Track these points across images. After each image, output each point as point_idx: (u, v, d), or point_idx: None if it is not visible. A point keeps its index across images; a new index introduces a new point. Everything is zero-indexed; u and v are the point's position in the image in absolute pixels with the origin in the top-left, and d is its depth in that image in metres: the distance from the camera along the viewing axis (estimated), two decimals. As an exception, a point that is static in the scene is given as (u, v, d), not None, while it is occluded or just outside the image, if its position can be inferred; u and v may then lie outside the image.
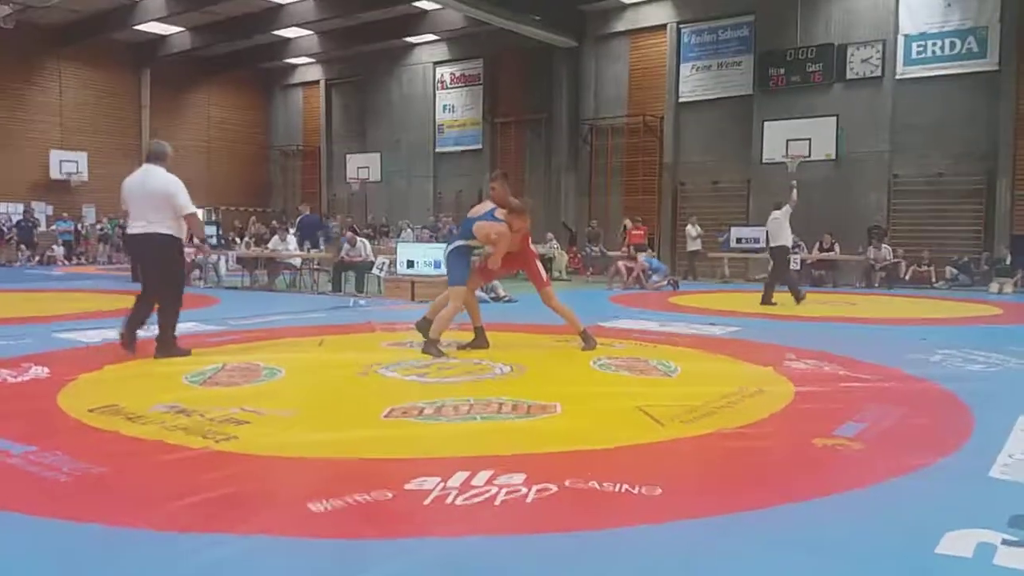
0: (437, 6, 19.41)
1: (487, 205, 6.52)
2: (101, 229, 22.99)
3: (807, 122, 16.89)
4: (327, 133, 27.03)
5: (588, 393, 4.81)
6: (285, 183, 28.58)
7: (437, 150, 24.17)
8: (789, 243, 11.61)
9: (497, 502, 2.81)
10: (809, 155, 16.71)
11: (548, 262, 15.55)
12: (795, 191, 11.49)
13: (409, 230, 20.56)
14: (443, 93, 24.00)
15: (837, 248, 16.09)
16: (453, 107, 23.82)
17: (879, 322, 9.56)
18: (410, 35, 22.86)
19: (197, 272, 13.75)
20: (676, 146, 19.74)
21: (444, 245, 7.74)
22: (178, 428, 3.81)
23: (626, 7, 20.02)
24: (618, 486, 2.98)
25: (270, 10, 20.98)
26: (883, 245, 15.67)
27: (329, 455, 3.44)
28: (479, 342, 6.55)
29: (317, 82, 27.07)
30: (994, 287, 14.29)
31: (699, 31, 19.27)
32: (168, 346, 5.99)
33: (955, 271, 15.34)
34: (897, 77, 16.76)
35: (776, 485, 3.14)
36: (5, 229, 21.14)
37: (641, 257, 14.88)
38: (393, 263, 12.08)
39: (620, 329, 8.01)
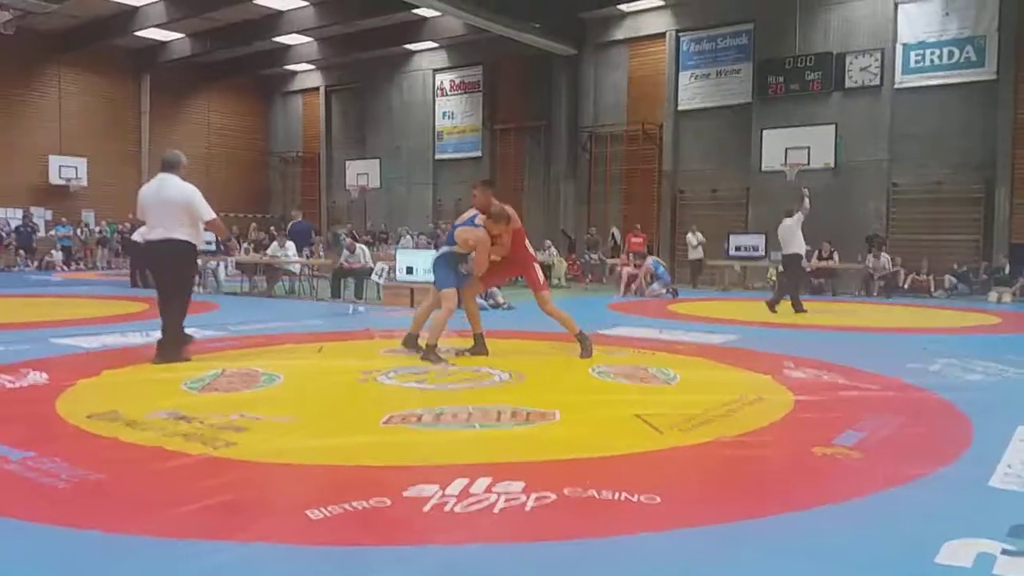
0: (437, 13, 19.45)
1: (471, 212, 6.66)
2: (100, 232, 23.00)
3: (806, 130, 16.93)
4: (327, 140, 27.05)
5: (587, 401, 4.81)
6: (285, 190, 28.60)
7: (436, 157, 24.19)
8: (803, 251, 11.54)
9: (496, 510, 2.81)
10: (808, 163, 16.74)
11: (547, 269, 15.56)
12: (807, 199, 11.39)
13: (408, 237, 20.56)
14: (443, 100, 24.03)
15: (836, 257, 16.08)
16: (452, 114, 23.85)
17: (878, 331, 9.58)
18: (410, 42, 22.94)
19: (197, 278, 13.72)
20: (675, 154, 19.77)
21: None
22: (177, 434, 3.80)
23: (625, 15, 20.07)
24: (617, 494, 2.98)
25: (270, 17, 21.02)
26: (882, 254, 15.67)
27: (328, 462, 3.44)
28: (478, 349, 6.58)
29: (317, 89, 27.11)
30: (993, 296, 14.29)
31: (698, 39, 19.32)
32: (176, 346, 6.04)
33: (954, 280, 15.31)
34: (896, 86, 16.80)
35: (775, 494, 3.15)
36: (4, 234, 21.16)
37: (649, 261, 14.92)
38: (392, 270, 12.10)
39: (619, 337, 8.02)
